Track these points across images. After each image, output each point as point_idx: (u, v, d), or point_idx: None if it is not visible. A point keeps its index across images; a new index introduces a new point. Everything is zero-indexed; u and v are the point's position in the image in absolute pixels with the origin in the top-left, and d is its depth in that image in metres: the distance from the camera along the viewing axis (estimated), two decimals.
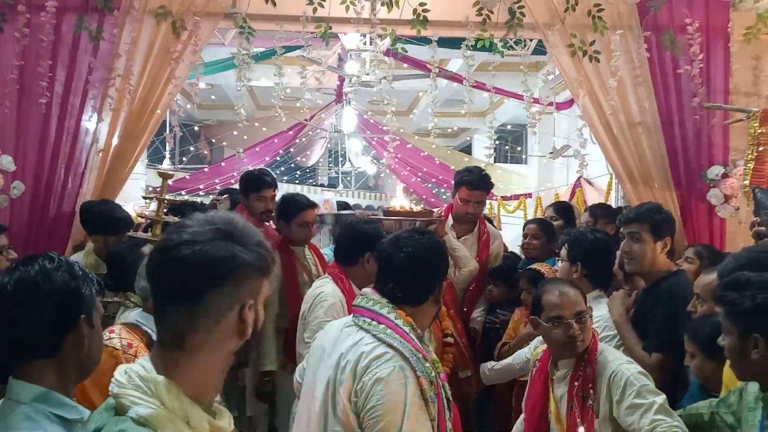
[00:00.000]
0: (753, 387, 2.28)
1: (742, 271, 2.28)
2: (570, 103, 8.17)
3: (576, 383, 2.80)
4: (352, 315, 2.49)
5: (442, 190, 9.45)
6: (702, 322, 2.85)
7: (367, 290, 2.49)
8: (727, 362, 2.48)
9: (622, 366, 2.76)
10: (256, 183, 4.89)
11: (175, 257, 1.33)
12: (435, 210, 4.69)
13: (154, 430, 1.26)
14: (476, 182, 4.39)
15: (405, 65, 6.78)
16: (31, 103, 4.36)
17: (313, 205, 4.84)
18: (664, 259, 3.48)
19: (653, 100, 4.72)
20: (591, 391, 2.75)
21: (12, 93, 4.34)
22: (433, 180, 11.48)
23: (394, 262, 2.44)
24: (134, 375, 1.33)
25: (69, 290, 1.71)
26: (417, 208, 4.46)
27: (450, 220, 4.58)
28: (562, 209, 5.66)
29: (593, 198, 8.49)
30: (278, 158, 10.59)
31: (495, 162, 12.73)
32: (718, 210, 4.72)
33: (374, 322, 2.34)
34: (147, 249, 3.51)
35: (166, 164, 10.87)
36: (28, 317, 1.70)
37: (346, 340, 2.38)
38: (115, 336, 2.51)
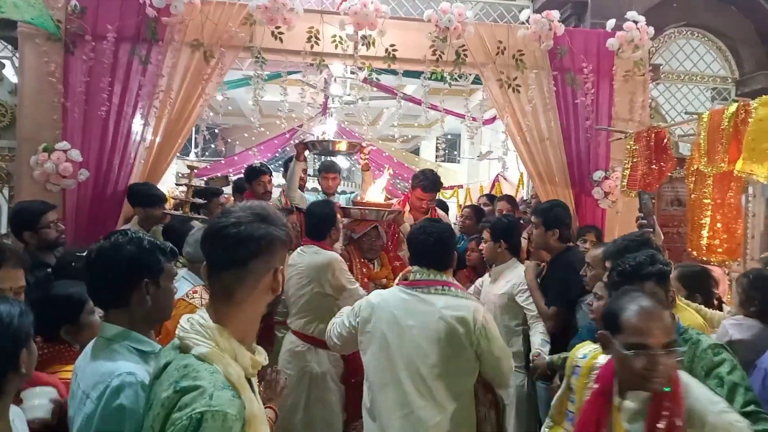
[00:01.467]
0: None
1: (626, 253, 2.35)
2: (493, 119, 8.24)
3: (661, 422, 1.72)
4: (402, 286, 2.59)
5: (398, 180, 9.49)
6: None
7: (415, 267, 2.61)
8: None
9: (724, 415, 1.73)
10: (256, 172, 5.24)
11: (227, 234, 1.36)
12: (393, 200, 4.66)
13: (210, 364, 1.27)
14: (430, 186, 4.40)
15: (375, 89, 6.72)
16: (94, 110, 4.23)
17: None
18: (555, 242, 3.58)
19: (558, 121, 4.78)
20: None
21: (80, 103, 4.21)
22: (393, 172, 11.50)
23: (427, 244, 2.58)
24: (195, 323, 1.35)
25: (134, 259, 1.67)
26: (380, 200, 4.24)
27: (407, 208, 4.52)
28: (491, 197, 5.77)
29: (508, 189, 8.59)
30: (277, 154, 10.47)
31: (436, 161, 12.78)
32: (600, 203, 4.82)
33: (445, 287, 2.52)
34: (193, 224, 3.50)
35: (192, 157, 10.69)
36: (104, 277, 1.68)
37: (421, 304, 2.50)
38: (197, 297, 2.48)
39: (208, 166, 10.23)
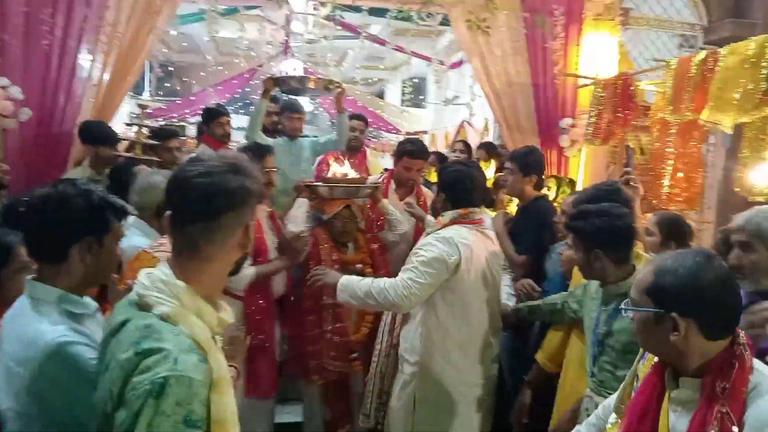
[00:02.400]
0: (594, 284, 2.37)
1: (584, 205, 2.33)
2: (459, 63, 8.09)
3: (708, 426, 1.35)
4: (466, 225, 2.74)
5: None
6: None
7: (475, 209, 2.79)
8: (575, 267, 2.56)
9: None
10: (214, 113, 4.98)
11: (197, 185, 1.26)
12: (369, 177, 4.06)
13: (175, 325, 1.20)
14: (417, 152, 4.09)
15: (339, 28, 6.48)
16: (35, 44, 3.93)
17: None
18: (530, 190, 3.53)
19: (527, 66, 4.70)
20: None
21: (19, 35, 3.89)
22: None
23: (481, 182, 2.88)
24: (156, 279, 1.26)
25: (80, 213, 1.55)
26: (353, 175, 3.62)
27: (392, 185, 3.98)
28: (466, 144, 5.70)
29: (472, 136, 8.53)
30: (237, 95, 10.12)
31: (402, 105, 12.60)
32: (565, 151, 4.82)
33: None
34: (138, 168, 3.33)
35: (146, 96, 10.26)
36: (44, 228, 1.56)
37: (487, 240, 2.83)
38: (162, 249, 2.35)
39: (164, 106, 9.85)
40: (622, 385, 1.76)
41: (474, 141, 7.09)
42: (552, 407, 2.65)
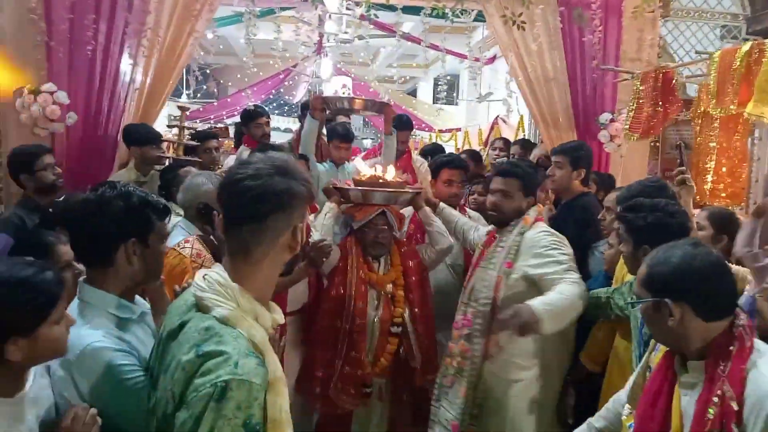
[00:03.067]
0: None
1: (638, 198, 2.29)
2: (493, 59, 8.02)
3: (709, 410, 1.41)
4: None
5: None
6: None
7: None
8: (621, 261, 2.52)
9: None
10: (253, 114, 5.05)
11: (246, 187, 1.27)
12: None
13: (233, 328, 1.22)
14: (401, 125, 3.91)
15: (372, 27, 6.49)
16: (80, 50, 4.03)
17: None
18: (577, 184, 3.48)
19: (563, 61, 4.63)
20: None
21: (64, 41, 4.00)
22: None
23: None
24: (213, 281, 1.28)
25: (120, 216, 1.57)
26: (389, 178, 3.14)
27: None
28: (506, 141, 5.67)
29: (507, 133, 8.43)
30: (271, 96, 10.24)
31: (435, 103, 12.55)
32: (606, 146, 4.73)
33: None
34: (185, 170, 3.41)
35: (183, 99, 10.45)
36: (86, 234, 1.59)
37: None
38: (188, 246, 2.40)
39: (201, 108, 10.03)
40: (633, 376, 1.82)
41: (509, 137, 7.03)
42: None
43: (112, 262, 1.58)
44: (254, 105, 6.09)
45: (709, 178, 4.06)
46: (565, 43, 4.60)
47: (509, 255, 2.66)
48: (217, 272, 1.31)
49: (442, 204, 3.29)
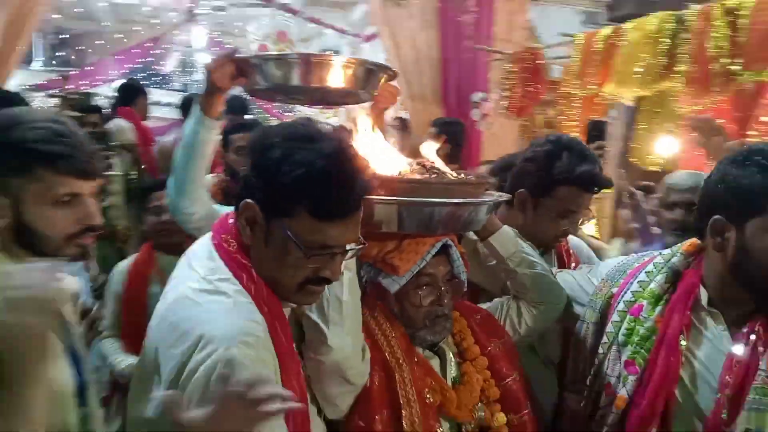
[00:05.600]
0: None
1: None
2: (373, 36, 7.95)
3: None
4: None
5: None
6: None
7: None
8: None
9: None
10: (140, 89, 4.80)
11: None
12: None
13: None
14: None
15: None
16: None
17: None
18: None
19: (437, 40, 4.66)
20: None
21: None
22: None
23: None
24: None
25: None
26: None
27: None
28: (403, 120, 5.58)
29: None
30: (138, 65, 9.44)
31: None
32: (478, 124, 4.84)
33: None
34: None
35: (36, 67, 9.36)
36: None
37: None
38: None
39: (57, 77, 9.02)
40: None
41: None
42: None
43: None
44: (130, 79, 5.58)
45: None
46: (440, 22, 4.62)
47: None
48: None
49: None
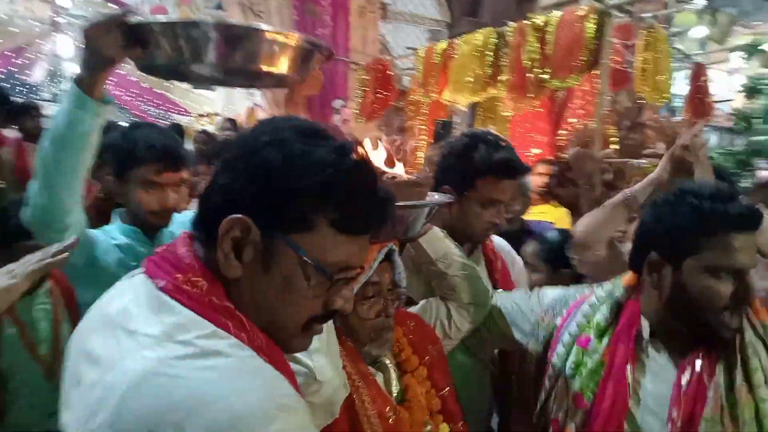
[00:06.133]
0: None
1: None
2: None
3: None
4: None
5: (150, 108, 8.85)
6: None
7: None
8: None
9: None
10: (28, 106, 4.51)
11: None
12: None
13: None
14: None
15: (111, 4, 6.08)
16: None
17: None
18: None
19: None
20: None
21: None
22: (149, 103, 10.60)
23: None
24: None
25: None
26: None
27: None
28: (232, 121, 5.71)
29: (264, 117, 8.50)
30: (2, 74, 8.89)
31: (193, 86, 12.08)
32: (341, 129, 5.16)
33: None
34: None
35: None
36: None
37: None
38: None
39: None
40: None
41: None
42: None
43: None
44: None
45: (421, 155, 4.74)
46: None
47: None
48: None
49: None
